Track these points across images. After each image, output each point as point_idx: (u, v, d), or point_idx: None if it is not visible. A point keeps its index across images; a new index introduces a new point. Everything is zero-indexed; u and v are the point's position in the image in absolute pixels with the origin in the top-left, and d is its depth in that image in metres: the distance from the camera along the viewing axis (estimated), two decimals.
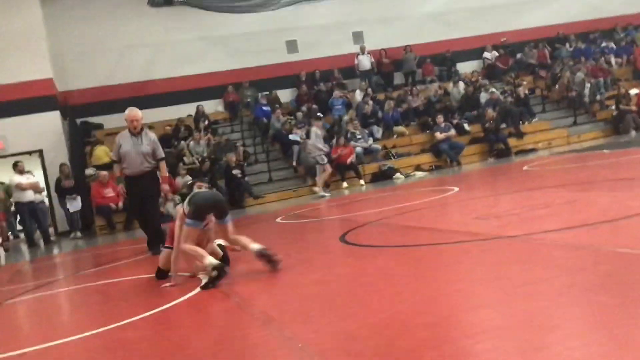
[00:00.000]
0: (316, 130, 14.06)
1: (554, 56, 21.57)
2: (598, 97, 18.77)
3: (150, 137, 7.82)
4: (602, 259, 3.85)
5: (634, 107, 17.35)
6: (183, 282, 5.33)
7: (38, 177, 14.80)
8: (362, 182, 15.22)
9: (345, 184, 15.17)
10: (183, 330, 3.95)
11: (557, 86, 19.48)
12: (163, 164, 8.02)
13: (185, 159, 15.56)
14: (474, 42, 21.52)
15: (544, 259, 4.14)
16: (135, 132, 7.69)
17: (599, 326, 2.74)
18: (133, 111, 7.68)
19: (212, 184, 14.39)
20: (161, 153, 7.96)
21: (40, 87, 16.05)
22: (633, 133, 16.55)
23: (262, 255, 5.16)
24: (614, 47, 21.99)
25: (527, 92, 19.01)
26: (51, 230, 14.96)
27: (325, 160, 14.22)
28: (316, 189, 14.10)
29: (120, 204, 13.88)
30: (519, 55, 21.61)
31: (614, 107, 17.80)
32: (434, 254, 5.10)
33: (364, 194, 13.06)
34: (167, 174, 8.49)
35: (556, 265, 3.85)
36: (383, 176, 15.52)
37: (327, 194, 13.84)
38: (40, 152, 16.20)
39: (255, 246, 5.22)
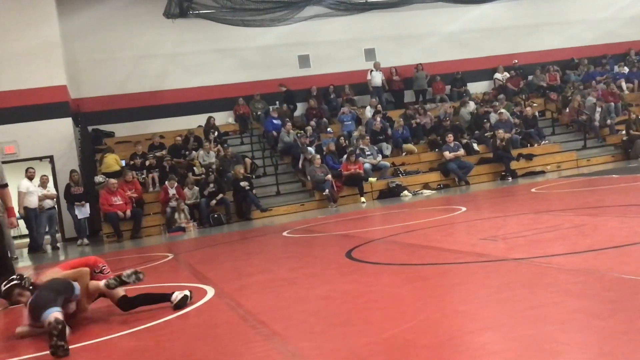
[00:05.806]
0: None
1: (565, 80, 21.58)
2: (608, 122, 18.73)
3: None
4: (609, 285, 3.83)
5: None
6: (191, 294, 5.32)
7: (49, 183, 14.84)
8: (363, 199, 15.23)
9: (363, 199, 15.20)
10: (185, 341, 3.95)
11: (567, 109, 19.47)
12: (5, 193, 6.41)
13: (195, 169, 15.64)
14: (485, 63, 21.58)
15: (549, 283, 4.12)
16: None
17: (605, 353, 2.72)
18: None
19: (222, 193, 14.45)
20: (3, 178, 6.29)
21: (53, 93, 16.20)
22: None
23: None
24: (626, 71, 21.98)
25: (536, 113, 19.00)
26: (58, 236, 15.00)
27: None
28: None
29: (128, 212, 13.97)
30: (529, 77, 21.66)
31: (624, 132, 17.76)
32: (440, 274, 5.09)
33: (371, 211, 13.06)
34: (13, 205, 6.76)
35: (562, 290, 3.83)
36: (391, 193, 15.52)
37: None
38: (51, 158, 16.31)
39: None
